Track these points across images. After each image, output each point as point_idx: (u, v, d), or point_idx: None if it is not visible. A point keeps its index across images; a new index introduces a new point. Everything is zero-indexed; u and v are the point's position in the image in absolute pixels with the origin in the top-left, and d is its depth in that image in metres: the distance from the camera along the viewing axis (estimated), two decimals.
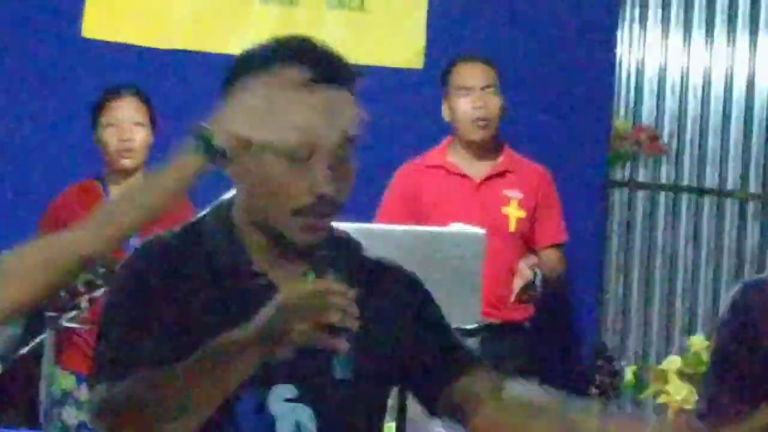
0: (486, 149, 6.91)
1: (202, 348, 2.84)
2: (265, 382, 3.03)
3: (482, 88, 6.90)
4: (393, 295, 3.14)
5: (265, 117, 2.92)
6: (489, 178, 6.87)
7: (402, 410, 5.18)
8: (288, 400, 3.08)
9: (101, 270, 5.10)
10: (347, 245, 3.09)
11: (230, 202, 3.10)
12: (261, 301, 2.81)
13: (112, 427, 3.03)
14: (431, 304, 3.22)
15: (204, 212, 3.16)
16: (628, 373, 7.54)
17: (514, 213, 6.82)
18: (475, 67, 6.98)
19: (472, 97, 6.86)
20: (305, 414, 3.09)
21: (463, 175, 6.89)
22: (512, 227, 6.84)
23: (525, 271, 6.71)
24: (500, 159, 6.97)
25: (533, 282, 6.65)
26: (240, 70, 3.02)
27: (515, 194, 6.90)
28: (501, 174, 6.91)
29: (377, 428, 3.27)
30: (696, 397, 5.67)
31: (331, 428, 3.10)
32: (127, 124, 6.54)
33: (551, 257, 6.99)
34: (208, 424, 2.98)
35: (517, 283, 6.70)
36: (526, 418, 3.11)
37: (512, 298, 6.68)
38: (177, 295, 3.03)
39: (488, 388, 3.11)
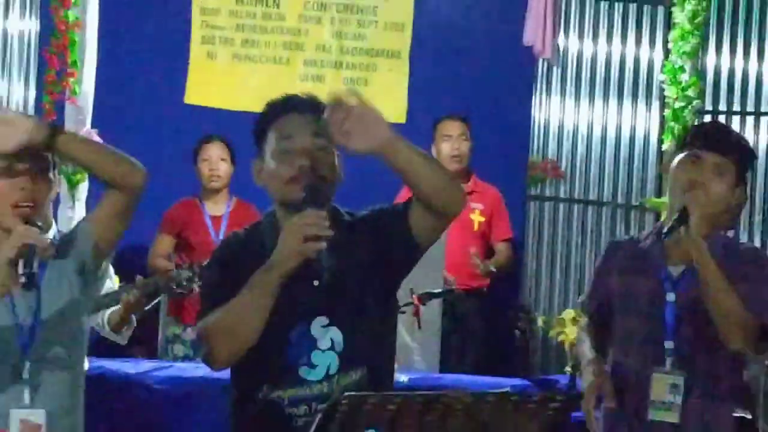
0: (459, 176, 6.87)
1: (250, 279, 3.10)
2: (308, 316, 3.21)
3: (458, 136, 7.03)
4: (357, 226, 3.31)
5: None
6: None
7: None
8: (323, 326, 3.25)
9: (185, 274, 5.23)
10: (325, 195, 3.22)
11: (273, 210, 3.33)
12: None
13: (206, 344, 3.21)
14: (372, 211, 3.33)
15: (262, 217, 3.39)
16: (539, 321, 7.70)
17: (477, 218, 7.00)
18: (454, 122, 7.09)
19: (451, 142, 7.02)
20: (336, 333, 3.24)
21: None
22: (476, 228, 7.01)
23: (479, 262, 6.94)
24: (469, 183, 7.02)
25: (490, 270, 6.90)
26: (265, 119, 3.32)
27: (478, 206, 7.05)
28: (469, 192, 6.80)
29: (386, 334, 3.40)
30: None
31: (353, 341, 3.23)
32: (215, 160, 6.70)
33: (502, 247, 7.11)
34: (275, 344, 3.18)
35: (485, 267, 6.94)
36: None
37: (480, 270, 6.87)
38: (245, 261, 3.21)
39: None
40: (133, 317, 4.87)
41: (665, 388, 3.67)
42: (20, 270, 3.05)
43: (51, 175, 3.34)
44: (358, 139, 3.02)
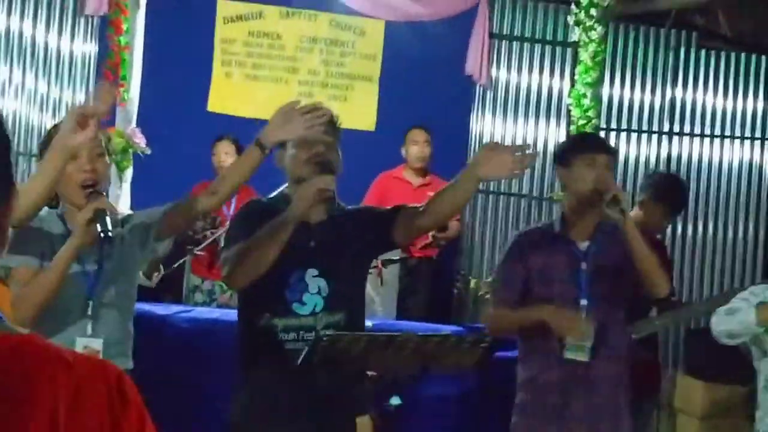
0: (420, 172, 6.99)
1: (269, 222, 3.18)
2: (304, 267, 3.28)
3: (423, 142, 7.01)
4: (359, 212, 3.43)
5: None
6: (420, 186, 6.91)
7: None
8: (314, 276, 3.31)
9: (203, 224, 5.21)
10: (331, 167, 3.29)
11: (284, 189, 3.43)
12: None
13: (228, 268, 3.27)
14: (372, 208, 3.53)
15: (277, 194, 3.52)
16: (472, 283, 7.70)
17: None
18: (421, 131, 7.05)
19: (419, 146, 7.00)
20: (323, 282, 3.30)
21: (408, 183, 6.96)
22: None
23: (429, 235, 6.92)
24: (427, 178, 7.02)
25: (431, 243, 6.89)
26: None
27: (432, 194, 7.04)
28: (425, 184, 6.91)
29: (360, 290, 3.49)
30: None
31: (335, 291, 3.30)
32: (221, 154, 6.68)
33: (454, 225, 6.99)
34: (278, 284, 3.25)
35: (438, 240, 6.89)
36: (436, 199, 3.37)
37: (419, 246, 6.85)
38: (261, 217, 3.27)
39: (411, 209, 3.39)
40: (161, 266, 4.89)
41: (579, 334, 3.70)
42: (99, 228, 3.04)
43: (106, 158, 3.31)
44: (491, 171, 3.23)
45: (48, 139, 3.22)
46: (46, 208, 3.33)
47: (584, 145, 3.90)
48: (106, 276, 3.27)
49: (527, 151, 3.24)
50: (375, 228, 3.38)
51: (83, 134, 2.93)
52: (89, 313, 3.23)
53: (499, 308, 3.91)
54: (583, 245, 3.80)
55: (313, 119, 3.20)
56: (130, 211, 5.27)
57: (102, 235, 3.04)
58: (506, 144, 3.27)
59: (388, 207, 3.50)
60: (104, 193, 3.24)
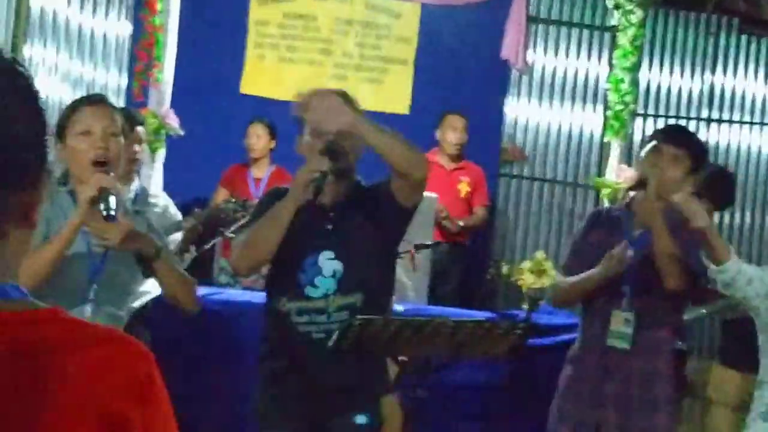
0: (455, 157, 7.00)
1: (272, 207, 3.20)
2: (317, 249, 3.28)
3: (461, 128, 7.02)
4: (370, 192, 3.37)
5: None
6: (453, 170, 6.95)
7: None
8: (329, 259, 3.31)
9: (231, 206, 5.22)
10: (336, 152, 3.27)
11: None
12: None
13: (234, 253, 3.34)
14: (380, 182, 3.39)
15: None
16: (504, 269, 7.73)
17: (464, 188, 6.98)
18: (459, 117, 7.05)
19: (456, 132, 7.00)
20: (338, 265, 3.30)
21: (441, 167, 6.89)
22: (462, 194, 6.97)
23: (458, 223, 6.94)
24: (461, 162, 7.06)
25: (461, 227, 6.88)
26: None
27: (465, 178, 7.04)
28: (459, 168, 6.99)
29: (382, 272, 3.46)
30: (537, 284, 5.91)
31: (351, 273, 3.30)
32: (253, 137, 6.73)
33: (480, 211, 7.09)
34: (293, 268, 3.26)
35: (453, 224, 6.92)
36: None
37: (449, 227, 6.88)
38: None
39: None
40: (192, 247, 4.91)
41: (621, 322, 3.69)
42: (101, 207, 2.98)
43: (120, 138, 3.25)
44: (327, 122, 3.16)
45: (63, 120, 3.21)
46: (59, 187, 3.31)
47: (655, 134, 3.94)
48: (112, 260, 3.20)
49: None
50: (382, 199, 3.34)
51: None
52: (91, 296, 3.17)
53: (562, 279, 3.96)
54: (636, 232, 3.79)
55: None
56: (160, 194, 5.27)
57: (105, 214, 2.99)
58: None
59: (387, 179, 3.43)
60: (112, 173, 3.15)
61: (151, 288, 4.87)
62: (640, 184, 3.62)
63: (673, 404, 3.92)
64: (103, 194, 3.00)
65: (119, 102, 7.36)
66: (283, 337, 3.34)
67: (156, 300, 4.90)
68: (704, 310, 4.70)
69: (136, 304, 4.72)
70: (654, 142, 3.79)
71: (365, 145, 3.22)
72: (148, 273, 3.24)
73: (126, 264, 3.25)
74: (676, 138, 3.86)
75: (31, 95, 1.20)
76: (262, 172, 6.83)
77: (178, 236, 5.05)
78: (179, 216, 5.14)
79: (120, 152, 3.25)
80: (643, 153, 3.83)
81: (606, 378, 3.78)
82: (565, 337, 4.79)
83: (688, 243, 3.68)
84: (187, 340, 5.13)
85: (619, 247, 3.71)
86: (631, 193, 4.01)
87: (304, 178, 3.18)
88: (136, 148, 4.81)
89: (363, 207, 3.34)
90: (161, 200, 5.02)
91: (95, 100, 3.29)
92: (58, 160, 3.28)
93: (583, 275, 3.80)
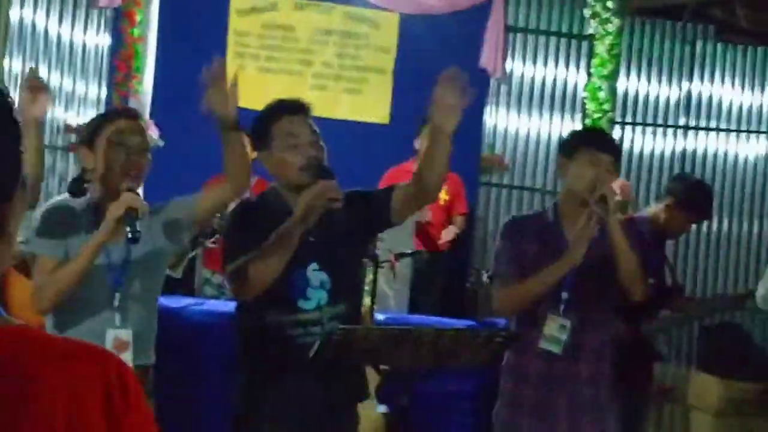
0: None
1: (272, 236, 3.12)
2: (303, 262, 3.23)
3: None
4: (349, 198, 3.24)
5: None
6: None
7: (374, 286, 5.18)
8: (315, 270, 3.27)
9: (219, 220, 5.21)
10: (331, 171, 3.20)
11: (274, 185, 3.36)
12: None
13: (236, 284, 3.23)
14: (363, 191, 3.36)
15: (266, 189, 3.42)
16: (485, 277, 7.76)
17: (443, 196, 6.85)
18: None
19: None
20: (325, 276, 3.27)
21: None
22: (441, 203, 6.90)
23: (452, 231, 6.99)
24: None
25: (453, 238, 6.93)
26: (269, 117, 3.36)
27: (444, 187, 6.96)
28: None
29: (359, 278, 3.52)
30: None
31: (337, 282, 3.28)
32: None
33: (459, 220, 7.10)
34: (280, 282, 3.19)
35: (447, 234, 6.97)
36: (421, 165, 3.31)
37: (442, 240, 6.92)
38: (258, 221, 3.24)
39: (404, 184, 3.33)
40: (184, 260, 4.92)
41: (556, 327, 3.69)
42: (128, 229, 3.05)
43: (149, 154, 3.33)
44: (444, 119, 3.24)
45: (91, 130, 3.28)
46: (65, 195, 3.36)
47: (591, 141, 3.86)
48: (133, 269, 3.26)
49: (455, 79, 3.26)
50: (370, 210, 3.33)
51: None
52: (116, 304, 3.22)
53: (507, 285, 3.83)
54: (573, 238, 3.77)
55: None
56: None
57: (129, 236, 3.05)
58: (442, 88, 3.20)
59: (381, 188, 3.44)
60: (138, 192, 3.21)
61: None
62: (602, 201, 3.60)
63: (621, 408, 3.91)
64: (129, 215, 3.07)
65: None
66: (274, 349, 3.30)
67: None
68: (667, 321, 4.71)
69: None
70: (589, 150, 3.76)
71: (437, 150, 3.24)
72: None
73: (147, 271, 3.31)
74: (610, 145, 3.88)
75: (5, 108, 1.20)
76: None
77: None
78: None
79: (148, 165, 3.34)
80: (575, 160, 3.76)
81: (551, 385, 3.76)
82: None
83: (642, 252, 3.73)
84: (171, 351, 5.12)
85: (584, 227, 3.64)
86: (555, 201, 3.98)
87: (318, 206, 3.12)
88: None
89: (341, 216, 3.30)
90: (163, 213, 5.02)
91: (131, 114, 3.43)
92: (82, 163, 3.33)
93: (539, 275, 3.72)
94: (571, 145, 3.86)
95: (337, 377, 3.26)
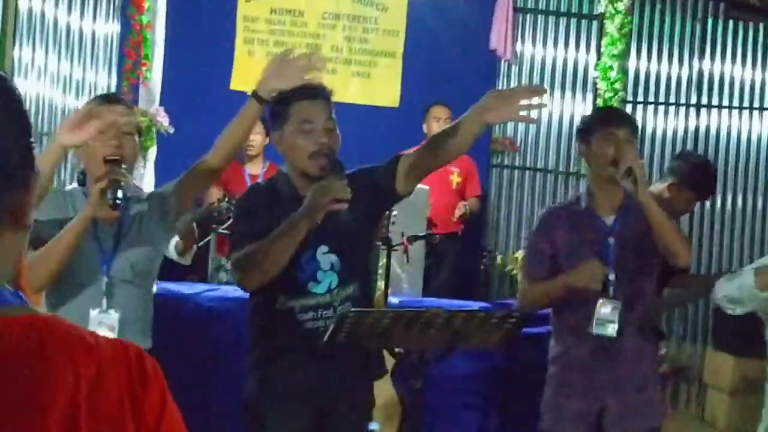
0: None
1: (280, 225, 3.10)
2: (313, 245, 3.22)
3: (445, 119, 6.94)
4: (356, 177, 3.24)
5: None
6: None
7: (388, 269, 5.12)
8: (325, 253, 3.28)
9: (224, 205, 5.21)
10: (342, 165, 3.18)
11: (284, 168, 3.33)
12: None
13: (240, 274, 3.23)
14: (367, 168, 3.35)
15: (275, 173, 3.41)
16: (498, 259, 7.79)
17: (455, 179, 6.99)
18: (442, 108, 7.05)
19: (439, 123, 6.90)
20: (335, 258, 3.27)
21: None
22: (454, 186, 6.98)
23: (462, 206, 6.99)
24: None
25: (464, 213, 6.95)
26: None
27: (455, 169, 7.02)
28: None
29: (369, 259, 3.49)
30: None
31: (348, 263, 3.28)
32: (253, 134, 6.67)
33: (473, 201, 7.12)
34: (290, 266, 3.19)
35: (458, 212, 6.99)
36: (439, 139, 3.25)
37: (455, 217, 6.93)
38: (265, 208, 3.23)
39: (411, 155, 3.27)
40: (194, 245, 4.95)
41: (608, 309, 3.69)
42: (109, 196, 3.05)
43: (135, 137, 3.30)
44: (498, 117, 3.12)
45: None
46: (74, 185, 3.38)
47: (604, 120, 3.87)
48: (123, 254, 3.27)
49: (536, 99, 3.07)
50: (377, 185, 3.30)
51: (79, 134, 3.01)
52: (103, 288, 3.23)
53: (529, 284, 3.87)
54: (610, 219, 3.77)
55: (310, 64, 3.14)
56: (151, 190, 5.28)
57: (111, 203, 3.06)
58: (514, 90, 3.13)
59: (387, 161, 3.37)
60: (124, 169, 3.20)
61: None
62: (630, 174, 3.59)
63: (661, 382, 3.96)
64: (111, 186, 3.07)
65: None
66: (285, 333, 3.30)
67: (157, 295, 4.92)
68: (673, 300, 4.70)
69: None
70: (605, 129, 3.76)
71: (472, 130, 3.17)
72: None
73: (139, 256, 3.31)
74: (625, 120, 3.88)
75: (12, 96, 1.20)
76: (257, 168, 6.78)
77: (175, 238, 5.06)
78: None
79: (135, 150, 3.31)
80: (594, 142, 3.77)
81: (597, 365, 3.77)
82: None
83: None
84: (188, 337, 5.13)
85: (592, 263, 3.67)
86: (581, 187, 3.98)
87: (325, 205, 3.09)
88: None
89: (352, 197, 3.32)
90: (150, 197, 5.03)
91: (111, 99, 3.35)
92: (75, 157, 3.34)
93: (549, 283, 3.75)
94: (585, 129, 3.86)
95: (350, 359, 3.26)
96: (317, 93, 3.28)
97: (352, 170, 3.30)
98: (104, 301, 3.23)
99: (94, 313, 3.20)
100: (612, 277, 3.71)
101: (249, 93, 3.26)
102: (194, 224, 4.99)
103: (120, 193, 3.06)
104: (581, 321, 3.74)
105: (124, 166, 3.19)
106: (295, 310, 3.27)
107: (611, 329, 3.69)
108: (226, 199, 5.54)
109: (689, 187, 4.67)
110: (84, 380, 1.15)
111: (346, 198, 3.08)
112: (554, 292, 3.76)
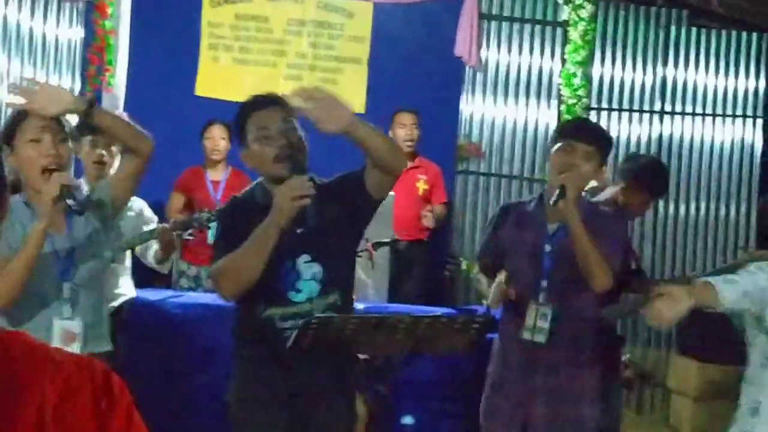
0: (409, 155, 6.83)
1: (253, 232, 3.14)
2: (293, 254, 3.28)
3: (411, 125, 6.99)
4: (330, 188, 3.34)
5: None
6: (410, 168, 6.83)
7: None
8: (306, 262, 3.31)
9: (205, 216, 5.19)
10: (302, 165, 3.23)
11: (261, 181, 3.38)
12: None
13: (217, 284, 3.28)
14: (341, 177, 3.40)
15: (252, 184, 3.46)
16: (464, 265, 7.78)
17: (422, 186, 6.99)
18: (408, 114, 7.05)
19: (405, 129, 6.98)
20: (317, 267, 3.30)
21: None
22: (420, 193, 6.98)
23: (425, 213, 7.00)
24: (416, 160, 7.05)
25: (435, 218, 6.95)
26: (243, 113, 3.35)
27: (422, 176, 7.06)
28: (416, 167, 6.99)
29: (351, 268, 3.50)
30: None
31: (329, 272, 3.31)
32: (217, 138, 6.61)
33: (439, 208, 7.12)
34: (271, 275, 3.24)
35: (427, 222, 6.97)
36: None
37: (425, 224, 6.93)
38: (244, 218, 3.26)
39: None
40: (172, 255, 4.99)
41: (537, 316, 3.71)
42: (68, 202, 3.06)
43: (69, 144, 3.31)
44: (329, 123, 3.04)
45: (11, 128, 3.23)
46: (14, 196, 3.34)
47: (566, 131, 3.92)
48: (78, 257, 3.27)
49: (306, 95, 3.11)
50: (353, 191, 3.35)
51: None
52: (65, 295, 3.23)
53: (480, 272, 4.03)
54: (552, 227, 3.83)
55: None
56: (133, 197, 5.26)
57: (73, 208, 3.07)
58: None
59: (357, 169, 3.41)
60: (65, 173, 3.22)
61: (126, 291, 4.90)
62: (561, 192, 3.63)
63: (597, 395, 3.93)
64: (66, 191, 3.07)
65: None
66: (265, 341, 3.34)
67: (130, 302, 4.91)
68: (626, 307, 4.72)
69: (114, 303, 4.75)
70: (565, 140, 3.80)
71: (357, 142, 3.19)
72: None
73: (91, 259, 3.31)
74: (587, 134, 3.88)
75: None
76: (219, 174, 6.77)
77: (154, 246, 5.06)
78: (155, 218, 5.15)
79: (70, 157, 3.34)
80: (553, 151, 3.83)
81: (531, 372, 3.81)
82: None
83: (607, 239, 3.74)
84: (150, 343, 5.11)
85: (500, 287, 3.79)
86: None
87: (289, 206, 3.13)
88: (101, 151, 4.83)
89: (329, 204, 3.34)
90: (135, 203, 5.03)
91: None
92: (8, 166, 3.29)
93: (481, 287, 3.94)
94: (552, 137, 3.95)
95: (329, 370, 3.29)
96: (265, 102, 3.35)
97: (326, 179, 3.39)
98: (67, 309, 3.21)
99: (57, 323, 3.18)
100: (544, 284, 3.76)
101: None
102: (174, 234, 4.97)
103: (78, 195, 3.10)
104: (518, 325, 3.79)
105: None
106: (275, 318, 3.31)
107: (539, 336, 3.73)
108: (206, 209, 5.51)
109: (642, 188, 4.71)
110: (50, 400, 1.15)
111: (309, 194, 3.13)
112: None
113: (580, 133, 3.87)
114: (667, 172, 5.08)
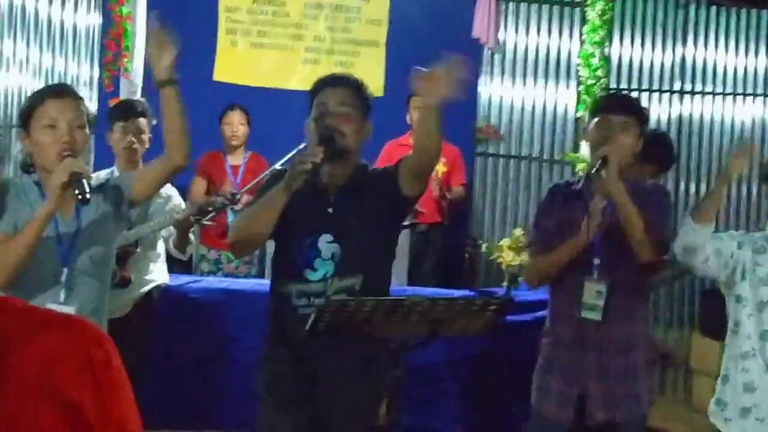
0: None
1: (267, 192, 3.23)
2: (316, 232, 3.30)
3: None
4: (375, 177, 3.38)
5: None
6: None
7: None
8: (328, 242, 3.32)
9: (223, 200, 5.18)
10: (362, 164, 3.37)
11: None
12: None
13: (230, 238, 3.34)
14: (382, 170, 3.46)
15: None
16: (483, 247, 7.74)
17: (441, 168, 6.85)
18: (419, 97, 7.08)
19: (418, 112, 7.02)
20: (337, 248, 3.31)
21: None
22: (439, 175, 6.86)
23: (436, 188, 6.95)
24: None
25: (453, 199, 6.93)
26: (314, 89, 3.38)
27: (441, 159, 6.82)
28: None
29: (382, 258, 3.46)
30: (516, 261, 5.93)
31: (349, 256, 3.31)
32: (235, 123, 6.57)
33: (458, 190, 7.07)
34: (291, 250, 3.30)
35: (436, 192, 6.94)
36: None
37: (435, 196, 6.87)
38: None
39: (407, 156, 3.38)
40: (192, 239, 4.98)
41: (592, 293, 3.69)
42: (76, 191, 3.03)
43: (86, 130, 3.28)
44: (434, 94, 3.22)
45: (27, 111, 3.22)
46: (24, 176, 3.35)
47: (601, 106, 3.91)
48: (81, 242, 3.25)
49: (453, 66, 3.19)
50: (388, 187, 3.36)
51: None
52: (63, 280, 3.21)
53: (536, 257, 3.93)
54: (601, 204, 3.77)
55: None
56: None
57: (80, 197, 3.03)
58: (434, 69, 3.18)
59: (392, 165, 3.46)
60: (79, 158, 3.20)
61: (157, 277, 4.88)
62: (603, 162, 3.62)
63: (650, 370, 3.93)
64: (74, 179, 3.04)
65: (91, 94, 7.32)
66: (283, 319, 3.37)
67: (159, 289, 4.91)
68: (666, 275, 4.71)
69: (144, 290, 4.75)
70: (601, 115, 3.79)
71: (426, 125, 3.26)
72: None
73: (96, 245, 3.28)
74: (621, 105, 3.87)
75: None
76: (239, 159, 6.76)
77: (173, 233, 5.05)
78: (183, 204, 5.13)
79: (86, 143, 3.29)
80: (591, 126, 3.82)
81: (584, 350, 3.78)
82: (545, 312, 4.80)
83: (652, 212, 3.70)
84: (170, 328, 5.13)
85: (595, 206, 3.71)
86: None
87: (297, 169, 3.17)
88: (132, 138, 4.85)
89: (365, 191, 3.35)
90: (164, 190, 5.02)
91: (60, 92, 3.30)
92: (23, 147, 3.30)
93: (558, 249, 3.78)
94: (589, 114, 3.94)
95: (349, 348, 3.28)
96: (337, 81, 3.47)
97: (378, 169, 3.49)
98: (62, 293, 3.20)
99: (50, 307, 3.17)
100: (597, 261, 3.73)
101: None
102: (191, 218, 4.95)
103: (87, 186, 3.04)
104: (571, 304, 3.77)
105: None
106: (291, 295, 3.33)
107: (595, 314, 3.71)
108: (221, 193, 5.52)
109: (648, 160, 4.70)
110: (34, 363, 1.15)
111: (314, 160, 3.15)
112: (563, 256, 3.78)
113: (615, 105, 3.87)
114: (673, 145, 5.08)
